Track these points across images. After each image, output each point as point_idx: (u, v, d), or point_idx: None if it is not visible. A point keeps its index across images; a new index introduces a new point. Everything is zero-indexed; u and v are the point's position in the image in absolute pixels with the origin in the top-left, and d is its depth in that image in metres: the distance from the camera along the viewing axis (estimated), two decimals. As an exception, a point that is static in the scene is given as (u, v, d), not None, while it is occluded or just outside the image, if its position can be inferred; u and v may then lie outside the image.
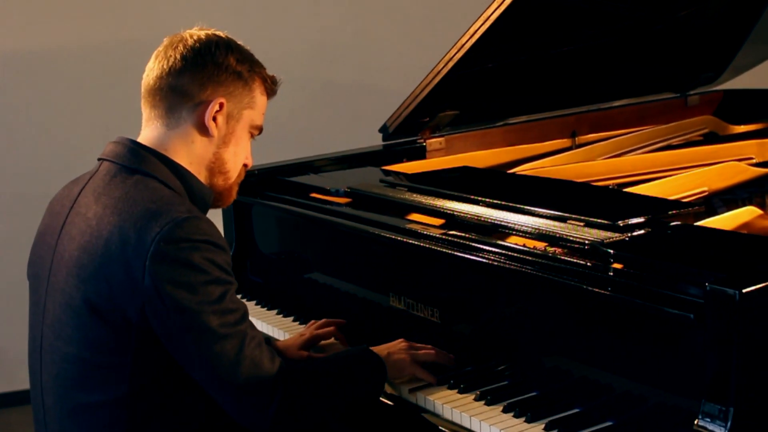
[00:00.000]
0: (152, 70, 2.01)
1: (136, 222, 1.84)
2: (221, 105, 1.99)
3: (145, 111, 2.03)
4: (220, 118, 2.00)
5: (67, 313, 1.91)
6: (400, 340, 2.19)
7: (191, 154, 2.01)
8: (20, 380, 4.48)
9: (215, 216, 2.95)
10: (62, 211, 2.01)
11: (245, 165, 2.12)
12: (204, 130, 2.00)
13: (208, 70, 1.98)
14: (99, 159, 2.03)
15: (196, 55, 1.98)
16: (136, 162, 1.96)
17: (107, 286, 1.84)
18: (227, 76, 2.00)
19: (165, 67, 1.98)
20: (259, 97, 2.07)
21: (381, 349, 2.13)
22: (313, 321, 2.45)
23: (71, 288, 1.90)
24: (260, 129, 2.10)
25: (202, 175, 2.04)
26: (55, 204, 2.07)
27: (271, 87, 2.10)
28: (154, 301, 1.81)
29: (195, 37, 2.01)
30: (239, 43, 2.06)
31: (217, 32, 2.05)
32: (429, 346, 2.19)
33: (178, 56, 1.98)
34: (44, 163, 4.30)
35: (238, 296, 2.75)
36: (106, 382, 1.88)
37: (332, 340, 2.41)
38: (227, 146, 2.04)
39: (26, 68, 4.33)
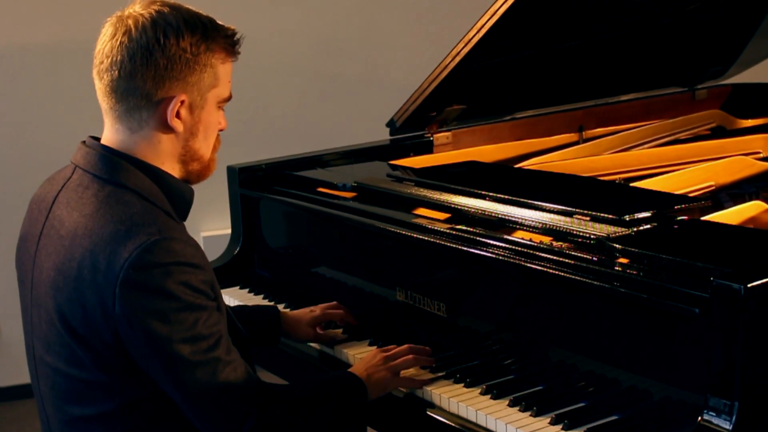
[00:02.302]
0: (102, 65, 1.86)
1: (106, 246, 1.76)
2: (182, 101, 1.86)
3: (103, 107, 1.91)
4: (184, 112, 1.88)
5: (51, 330, 1.86)
6: (375, 351, 2.16)
7: (161, 153, 1.90)
8: (27, 373, 4.50)
9: (223, 206, 2.96)
10: (39, 218, 1.95)
11: (220, 129, 1.99)
12: (168, 129, 1.88)
13: (161, 66, 1.82)
14: (72, 163, 1.94)
15: (144, 52, 1.82)
16: (108, 171, 1.86)
17: (82, 310, 1.79)
18: (182, 66, 1.84)
19: (115, 68, 1.83)
20: (221, 68, 1.91)
21: (360, 370, 2.09)
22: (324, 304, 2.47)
23: (51, 308, 1.85)
24: (229, 98, 1.96)
25: (176, 170, 1.94)
26: (33, 207, 2.00)
27: (233, 50, 1.93)
28: (125, 329, 1.76)
29: (140, 26, 1.83)
30: (189, 8, 1.89)
31: (163, 8, 1.86)
32: (405, 348, 2.18)
33: (126, 55, 1.82)
34: (50, 158, 4.30)
35: (247, 290, 2.79)
36: (97, 397, 1.85)
37: (339, 331, 2.44)
38: (196, 136, 1.92)
39: (31, 63, 4.35)
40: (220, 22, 1.93)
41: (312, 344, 2.45)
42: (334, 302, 2.48)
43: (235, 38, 1.94)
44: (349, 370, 2.11)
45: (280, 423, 1.89)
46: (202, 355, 1.79)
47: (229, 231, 2.97)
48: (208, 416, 1.82)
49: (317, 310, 2.44)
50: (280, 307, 2.66)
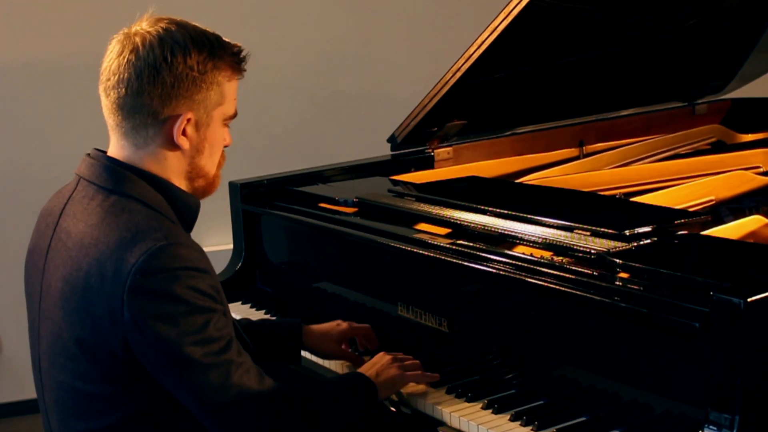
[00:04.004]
0: (108, 83, 1.87)
1: (112, 254, 1.77)
2: (188, 119, 1.87)
3: (109, 123, 1.92)
4: (190, 130, 1.89)
5: (58, 343, 1.87)
6: (381, 354, 2.17)
7: (166, 170, 1.91)
8: (29, 389, 4.49)
9: (224, 222, 2.97)
10: (47, 232, 1.96)
11: (225, 145, 2.00)
12: (174, 146, 1.89)
13: (168, 84, 1.84)
14: (77, 175, 1.95)
15: (152, 70, 1.83)
16: (113, 182, 1.87)
17: (90, 319, 1.80)
18: (189, 84, 1.85)
19: (121, 85, 1.84)
20: (228, 86, 1.92)
21: (371, 371, 2.10)
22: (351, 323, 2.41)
23: (59, 319, 1.86)
24: (234, 115, 1.97)
25: (182, 186, 1.95)
26: (41, 221, 2.02)
27: (239, 68, 1.94)
28: (134, 335, 1.76)
29: (147, 44, 1.84)
30: (195, 26, 1.89)
31: (170, 26, 1.86)
32: (410, 357, 2.19)
33: (133, 73, 1.83)
34: (52, 175, 4.32)
35: (249, 305, 2.79)
36: (100, 410, 1.85)
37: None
38: (201, 153, 1.93)
39: (40, 78, 4.36)
40: (226, 39, 1.94)
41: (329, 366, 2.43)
42: (367, 326, 2.40)
43: (241, 56, 1.95)
44: (358, 370, 2.12)
45: (296, 424, 1.89)
46: (215, 357, 1.79)
47: (230, 246, 2.98)
48: (224, 418, 1.82)
49: (344, 324, 2.38)
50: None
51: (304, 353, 2.40)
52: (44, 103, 4.39)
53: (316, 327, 2.39)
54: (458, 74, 2.84)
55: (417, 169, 3.09)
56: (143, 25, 1.89)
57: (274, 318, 2.70)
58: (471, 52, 2.79)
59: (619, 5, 3.05)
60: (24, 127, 4.39)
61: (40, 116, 4.40)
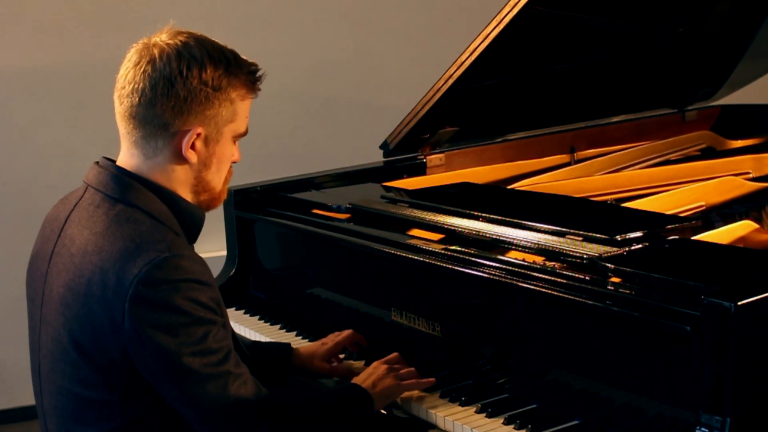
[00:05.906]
0: (123, 90, 1.89)
1: (115, 263, 1.79)
2: (198, 133, 1.90)
3: (121, 130, 1.94)
4: (199, 144, 1.91)
5: (58, 348, 1.88)
6: (377, 363, 2.18)
7: (173, 181, 1.93)
8: (21, 396, 4.49)
9: (218, 228, 2.98)
10: (52, 237, 1.97)
11: (233, 161, 2.03)
12: (182, 159, 1.91)
13: (181, 98, 1.86)
14: (85, 183, 1.97)
15: (166, 82, 1.85)
16: (120, 191, 1.89)
17: (90, 327, 1.81)
18: (202, 99, 1.87)
19: (135, 94, 1.87)
20: (240, 104, 1.94)
21: (367, 382, 2.10)
22: (337, 333, 2.42)
23: (59, 325, 1.87)
24: (245, 133, 2.00)
25: (188, 197, 1.97)
26: (46, 226, 2.03)
27: (253, 87, 1.97)
28: (134, 344, 1.78)
29: (164, 57, 1.86)
30: (214, 42, 1.92)
31: (189, 39, 1.89)
32: (405, 364, 2.21)
33: (148, 84, 1.86)
34: (51, 178, 4.32)
35: (243, 312, 2.80)
36: (99, 416, 1.87)
37: (362, 363, 2.39)
38: (209, 168, 1.96)
39: (34, 84, 4.35)
40: (243, 57, 1.95)
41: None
42: (350, 331, 2.42)
43: (257, 75, 1.97)
44: (354, 380, 2.13)
45: None
46: (213, 368, 1.81)
47: (224, 252, 2.98)
48: (221, 428, 1.83)
49: (328, 341, 2.40)
50: (276, 328, 2.67)
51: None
52: (37, 109, 4.39)
53: (302, 348, 2.40)
54: (450, 81, 2.85)
55: (409, 176, 3.11)
56: (163, 37, 1.91)
57: (268, 324, 2.71)
58: (463, 60, 2.81)
59: (610, 13, 3.06)
60: (16, 134, 4.39)
61: (33, 122, 4.39)
